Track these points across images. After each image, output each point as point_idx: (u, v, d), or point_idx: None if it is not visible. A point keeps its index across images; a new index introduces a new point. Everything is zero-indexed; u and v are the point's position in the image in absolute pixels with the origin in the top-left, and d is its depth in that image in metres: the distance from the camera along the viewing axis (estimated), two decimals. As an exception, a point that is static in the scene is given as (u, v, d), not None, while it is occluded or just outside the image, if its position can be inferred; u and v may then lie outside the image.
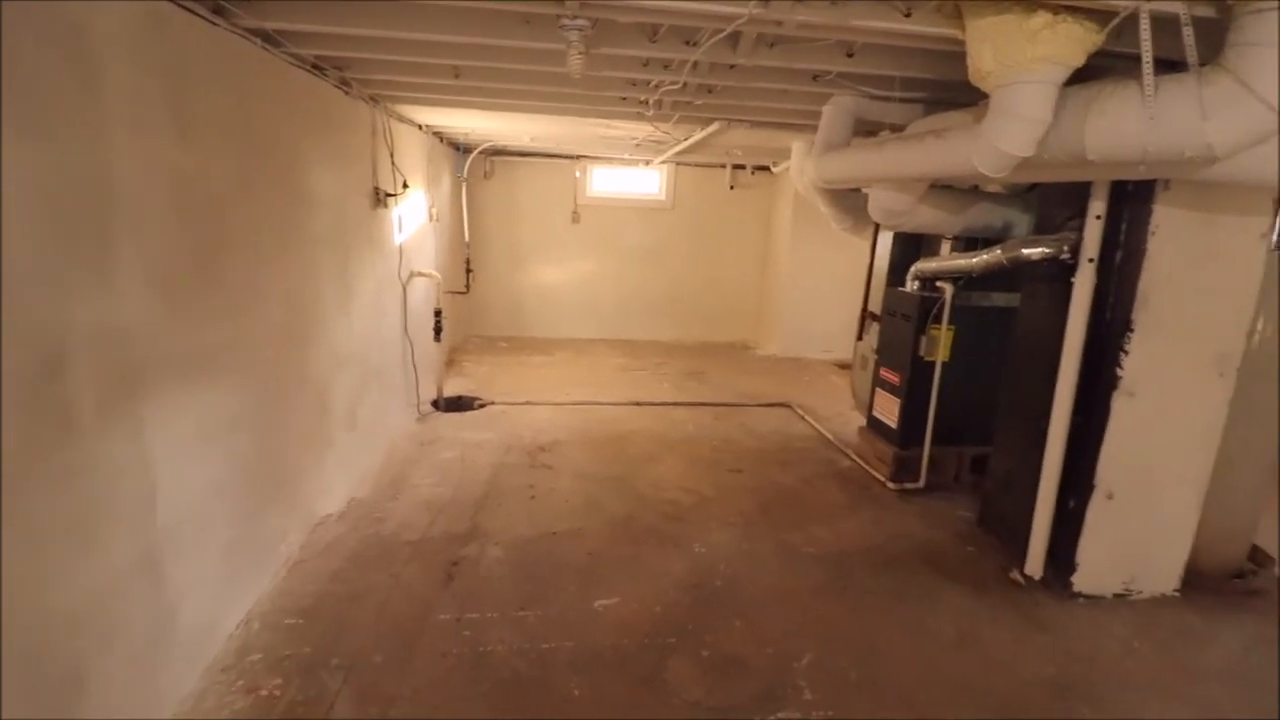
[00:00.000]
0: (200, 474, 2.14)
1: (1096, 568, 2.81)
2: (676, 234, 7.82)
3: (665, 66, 2.83)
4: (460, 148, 6.60)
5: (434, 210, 5.36)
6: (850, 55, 2.66)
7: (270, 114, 2.60)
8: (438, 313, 5.02)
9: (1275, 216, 2.59)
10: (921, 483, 3.81)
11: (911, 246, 4.23)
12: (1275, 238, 2.65)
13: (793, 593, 2.81)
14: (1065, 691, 2.29)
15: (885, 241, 4.48)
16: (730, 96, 3.39)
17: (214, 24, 2.15)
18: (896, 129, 3.34)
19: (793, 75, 2.98)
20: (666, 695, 2.19)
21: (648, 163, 7.21)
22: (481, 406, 5.08)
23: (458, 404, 5.07)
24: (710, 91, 3.29)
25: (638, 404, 5.34)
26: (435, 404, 5.00)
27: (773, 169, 7.34)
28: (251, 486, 2.49)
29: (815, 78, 2.99)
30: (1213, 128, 1.73)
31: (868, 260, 4.81)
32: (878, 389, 4.17)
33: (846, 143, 3.34)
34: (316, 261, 3.05)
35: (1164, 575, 2.86)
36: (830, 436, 4.71)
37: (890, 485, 3.86)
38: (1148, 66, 1.77)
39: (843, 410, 5.23)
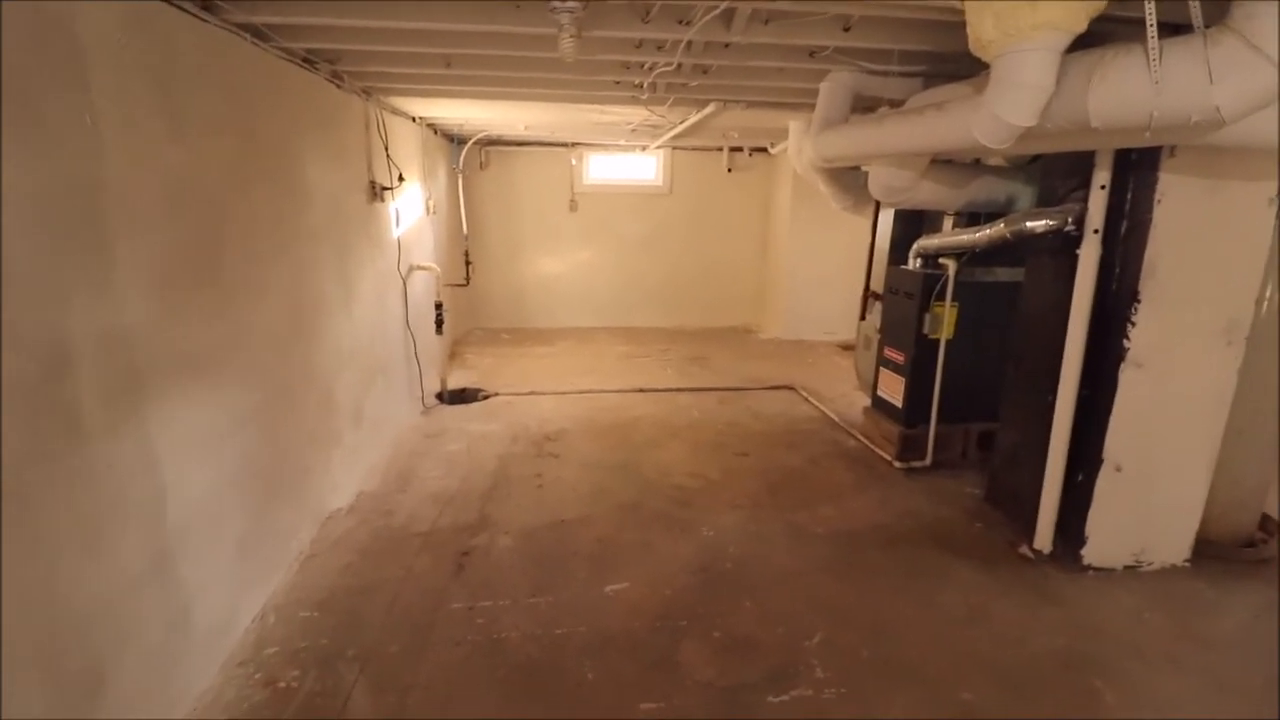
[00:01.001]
0: (209, 473, 2.15)
1: (1106, 540, 2.81)
2: (675, 219, 7.77)
3: (659, 47, 2.80)
4: (455, 139, 6.55)
5: (431, 203, 5.33)
6: (847, 29, 2.61)
7: (263, 110, 2.58)
8: (439, 305, 5.01)
9: (1282, 180, 2.56)
10: (928, 460, 3.81)
11: (913, 224, 4.20)
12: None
13: (802, 573, 2.81)
14: (1076, 662, 2.30)
15: (886, 219, 4.45)
16: (726, 76, 3.35)
17: (203, 20, 2.12)
18: (896, 104, 3.30)
19: (789, 52, 2.94)
20: (679, 677, 2.20)
21: (644, 148, 7.15)
22: (486, 398, 5.09)
23: (462, 396, 5.07)
24: (705, 72, 3.25)
25: (642, 391, 5.33)
26: (440, 397, 5.01)
27: (770, 150, 7.27)
28: (260, 483, 2.50)
29: (812, 54, 2.95)
30: (1220, 91, 1.70)
31: (869, 239, 4.78)
32: (882, 368, 4.16)
33: (845, 119, 3.30)
34: (315, 257, 3.04)
35: (1174, 546, 2.86)
36: (835, 417, 4.70)
37: (897, 464, 3.85)
38: (1152, 30, 1.73)
39: (847, 391, 5.22)
